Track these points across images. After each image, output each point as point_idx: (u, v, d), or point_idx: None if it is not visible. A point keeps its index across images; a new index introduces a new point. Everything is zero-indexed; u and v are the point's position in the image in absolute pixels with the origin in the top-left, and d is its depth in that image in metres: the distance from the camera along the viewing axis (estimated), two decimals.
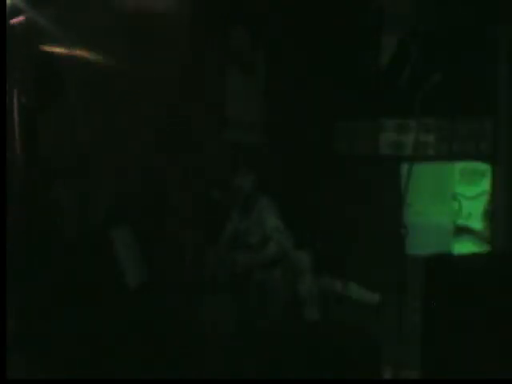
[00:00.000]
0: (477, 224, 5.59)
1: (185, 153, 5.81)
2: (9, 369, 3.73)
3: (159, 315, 4.83)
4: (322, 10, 6.36)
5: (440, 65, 5.64)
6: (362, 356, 4.89)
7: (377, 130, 6.08)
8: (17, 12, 3.85)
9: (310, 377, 4.67)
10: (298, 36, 6.56)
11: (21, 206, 4.69)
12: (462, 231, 5.64)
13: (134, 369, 4.47)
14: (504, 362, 3.99)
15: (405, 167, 5.42)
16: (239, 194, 5.43)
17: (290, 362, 4.86)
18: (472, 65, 5.54)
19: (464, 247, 5.61)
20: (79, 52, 4.74)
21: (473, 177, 5.61)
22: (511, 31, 5.44)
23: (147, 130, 5.52)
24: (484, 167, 5.56)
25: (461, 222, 5.65)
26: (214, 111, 6.24)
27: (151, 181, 5.60)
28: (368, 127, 6.16)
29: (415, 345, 4.46)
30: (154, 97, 5.52)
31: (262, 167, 5.78)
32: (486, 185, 5.54)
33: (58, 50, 4.50)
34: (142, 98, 5.44)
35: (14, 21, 3.85)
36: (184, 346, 4.88)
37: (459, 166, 5.70)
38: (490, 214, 5.51)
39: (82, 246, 4.86)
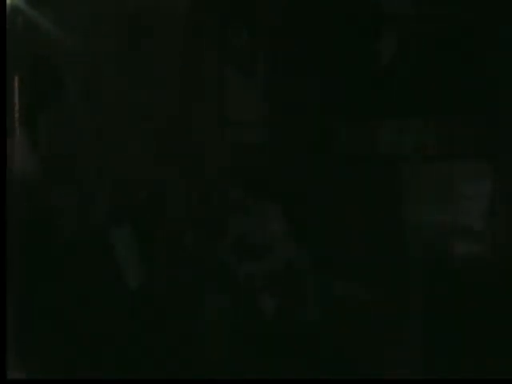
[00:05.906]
0: (477, 224, 5.58)
1: (185, 153, 5.80)
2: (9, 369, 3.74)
3: (159, 315, 4.83)
4: (322, 8, 6.37)
5: (439, 64, 5.65)
6: (362, 356, 4.90)
7: (377, 130, 6.08)
8: (17, 12, 3.85)
9: (310, 377, 4.67)
10: (298, 35, 6.57)
11: (21, 205, 4.69)
12: (461, 231, 5.63)
13: (133, 369, 4.47)
14: (503, 362, 4.00)
15: (405, 167, 5.42)
16: (240, 195, 5.43)
17: (289, 361, 4.86)
18: (472, 64, 5.54)
19: (464, 247, 5.60)
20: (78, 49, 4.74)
21: (473, 177, 5.61)
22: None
23: (146, 130, 5.52)
24: (484, 167, 5.55)
25: (461, 221, 5.65)
26: (215, 111, 6.24)
27: (151, 180, 5.60)
28: (368, 127, 6.16)
29: (415, 345, 4.46)
30: (153, 96, 5.51)
31: (263, 168, 5.78)
32: (486, 185, 5.54)
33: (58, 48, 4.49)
34: (141, 97, 5.44)
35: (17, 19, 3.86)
36: (184, 347, 4.88)
37: (459, 165, 5.69)
38: (490, 214, 5.51)
39: (82, 246, 4.86)
